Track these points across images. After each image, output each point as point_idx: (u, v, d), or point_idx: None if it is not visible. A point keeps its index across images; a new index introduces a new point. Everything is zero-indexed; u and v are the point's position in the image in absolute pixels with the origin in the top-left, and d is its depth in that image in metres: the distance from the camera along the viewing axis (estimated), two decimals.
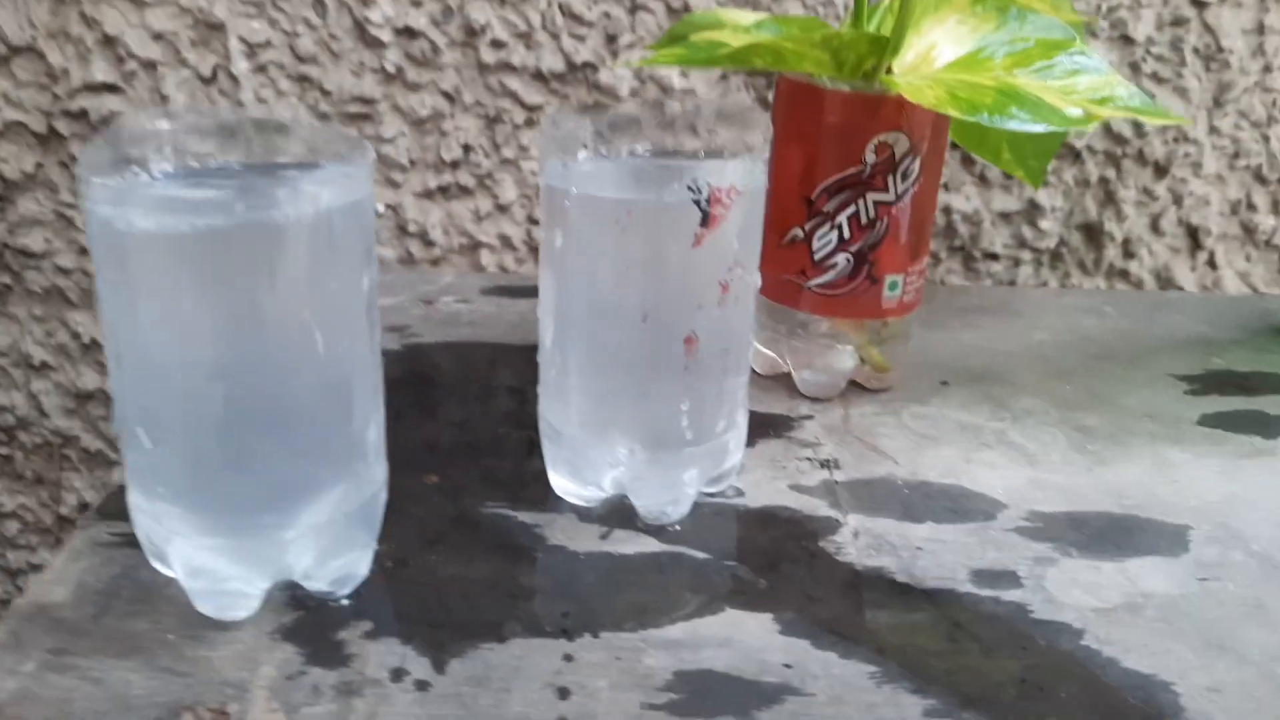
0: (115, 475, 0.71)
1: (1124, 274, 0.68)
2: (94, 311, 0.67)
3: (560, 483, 0.36)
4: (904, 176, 0.39)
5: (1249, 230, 0.67)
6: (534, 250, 0.67)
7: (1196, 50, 0.63)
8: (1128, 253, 0.68)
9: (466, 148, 0.65)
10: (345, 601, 0.31)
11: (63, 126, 0.62)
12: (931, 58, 0.38)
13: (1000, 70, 0.37)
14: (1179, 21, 0.63)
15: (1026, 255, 0.68)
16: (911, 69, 0.38)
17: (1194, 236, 0.67)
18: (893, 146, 0.39)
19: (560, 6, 0.61)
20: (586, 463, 0.35)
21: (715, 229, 0.31)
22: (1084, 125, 0.35)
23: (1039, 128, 0.35)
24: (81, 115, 0.62)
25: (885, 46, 0.37)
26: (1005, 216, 0.67)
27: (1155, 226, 0.67)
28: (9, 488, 0.72)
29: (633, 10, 0.62)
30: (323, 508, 0.29)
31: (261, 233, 0.26)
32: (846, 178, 0.39)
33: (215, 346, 0.27)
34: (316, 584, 0.31)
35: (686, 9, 0.61)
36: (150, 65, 0.61)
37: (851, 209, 0.40)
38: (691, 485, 0.35)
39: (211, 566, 0.29)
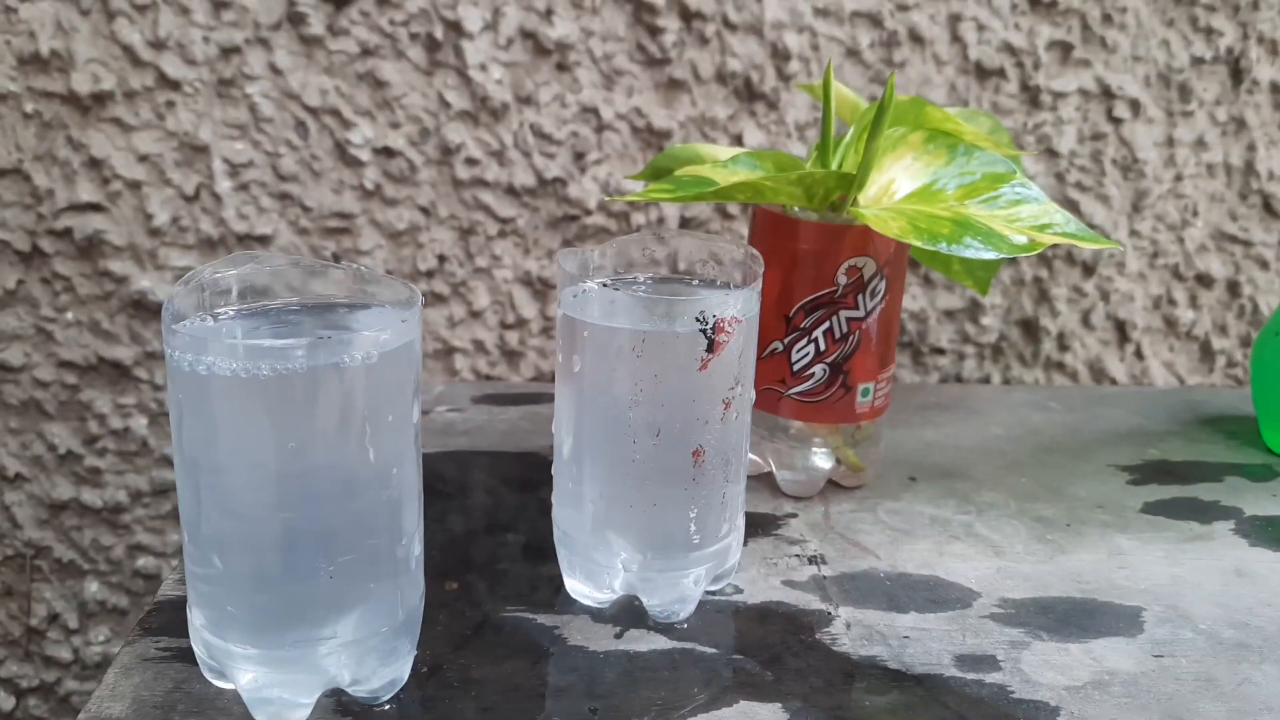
0: (92, 593, 0.71)
1: (1060, 365, 0.73)
2: (70, 423, 0.67)
3: (575, 585, 0.39)
4: (872, 295, 0.43)
5: (1170, 323, 0.73)
6: (506, 354, 0.70)
7: (1115, 161, 0.69)
8: (1062, 345, 0.73)
9: (441, 258, 0.68)
10: (388, 706, 0.33)
11: (46, 245, 0.64)
12: (891, 190, 0.43)
13: (953, 201, 0.42)
14: (1098, 136, 0.69)
15: (970, 349, 0.72)
16: (874, 201, 0.43)
17: (1122, 330, 0.73)
18: (861, 269, 0.43)
19: (531, 127, 0.65)
20: (600, 566, 0.38)
21: (720, 354, 0.35)
22: (1029, 251, 0.39)
23: (991, 254, 0.39)
24: (65, 234, 0.64)
25: (852, 182, 0.42)
26: (949, 314, 0.71)
27: (1086, 321, 0.73)
28: None
29: (599, 130, 0.66)
30: (375, 620, 0.31)
31: (330, 375, 0.29)
32: (821, 297, 0.43)
33: (285, 476, 0.29)
34: (362, 690, 0.32)
35: (649, 129, 0.66)
36: (135, 185, 0.63)
37: (826, 324, 0.44)
38: (698, 585, 0.38)
39: (270, 678, 0.31)
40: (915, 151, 0.43)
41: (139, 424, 0.68)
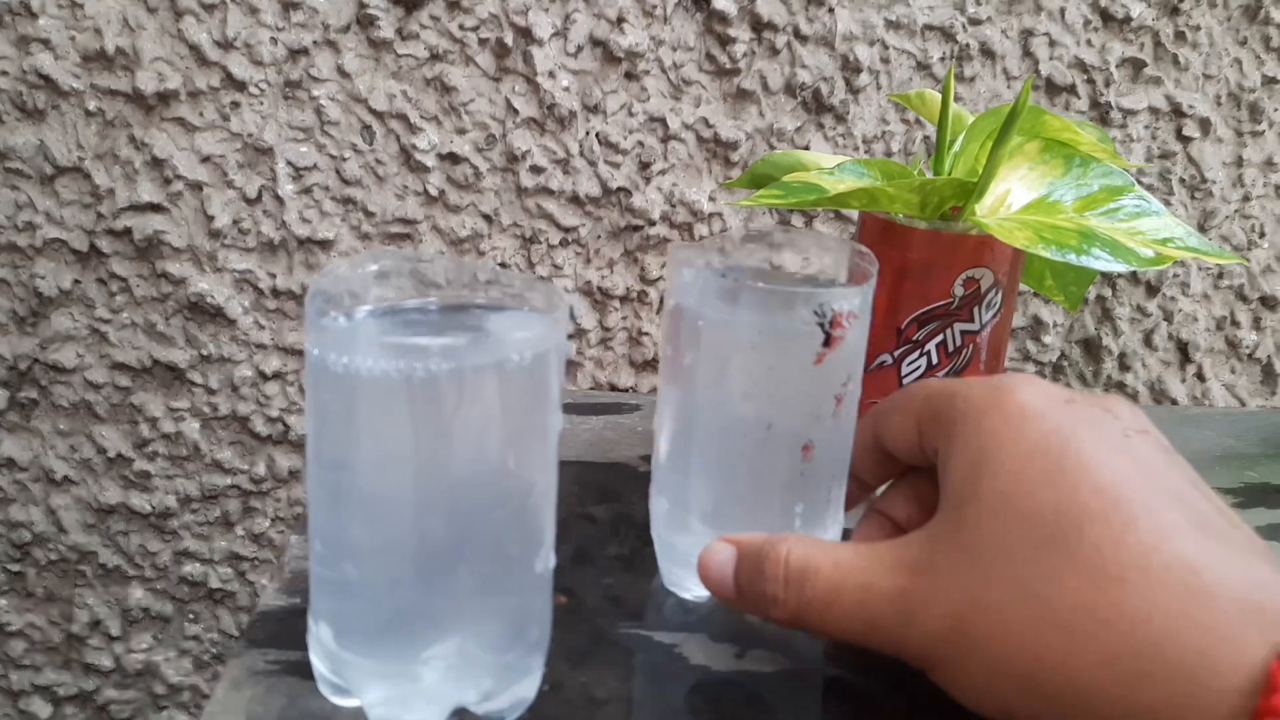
0: (136, 599, 0.69)
1: (1121, 385, 0.73)
2: (121, 426, 0.66)
3: (673, 578, 0.38)
4: (988, 308, 0.43)
5: (1233, 345, 0.73)
6: (567, 363, 0.69)
7: (1183, 180, 0.69)
8: (1123, 366, 0.72)
9: (503, 265, 0.67)
10: None
11: (104, 244, 0.63)
12: (1007, 201, 0.42)
13: (1072, 213, 0.41)
14: (1166, 155, 0.68)
15: (1031, 368, 0.72)
16: (991, 211, 0.42)
17: (1184, 351, 0.72)
18: (979, 281, 0.42)
19: (598, 135, 0.64)
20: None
21: (835, 349, 0.34)
22: (1157, 265, 0.39)
23: (1120, 267, 0.38)
24: (124, 234, 0.63)
25: (971, 191, 0.41)
26: (1011, 331, 0.71)
27: (1148, 341, 0.72)
28: (18, 605, 0.69)
29: (665, 140, 0.65)
30: (510, 636, 0.30)
31: (479, 377, 0.28)
32: (935, 309, 0.42)
33: (426, 482, 0.28)
34: (489, 708, 0.31)
35: (716, 140, 0.65)
36: (196, 186, 0.62)
37: (940, 338, 0.43)
38: None
39: (399, 694, 0.30)
40: (1031, 162, 0.42)
41: (191, 428, 0.66)
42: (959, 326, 0.43)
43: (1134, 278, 0.70)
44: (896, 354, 0.43)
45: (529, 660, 0.31)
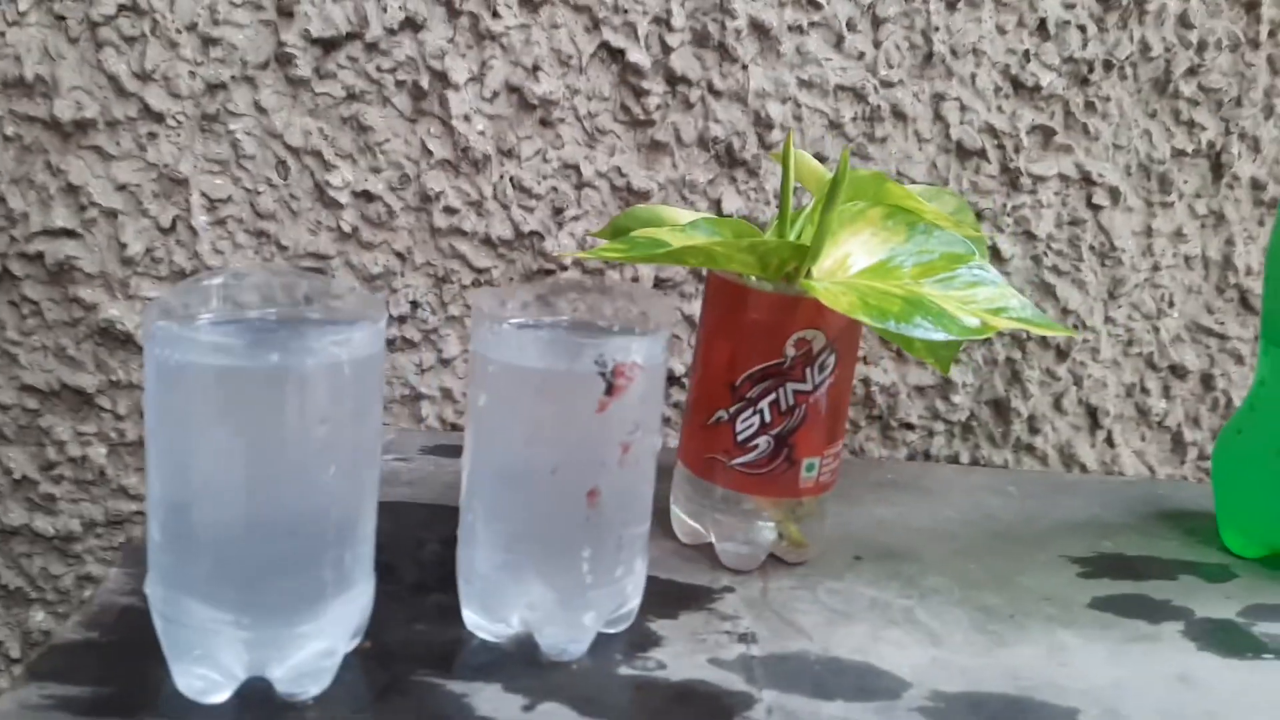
0: (31, 618, 0.69)
1: (1030, 448, 0.73)
2: (28, 449, 0.67)
3: (472, 618, 0.39)
4: (821, 369, 0.43)
5: (1143, 412, 0.73)
6: None
7: (1092, 248, 0.69)
8: (1033, 428, 0.72)
9: (414, 304, 0.67)
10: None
11: (16, 268, 0.64)
12: (847, 265, 0.42)
13: (909, 279, 0.41)
14: (1076, 221, 0.69)
15: (940, 426, 0.72)
16: (828, 274, 0.42)
17: (1093, 416, 0.72)
18: (811, 342, 0.42)
19: (511, 180, 0.65)
20: (497, 601, 0.38)
21: (618, 398, 0.35)
22: (980, 335, 0.39)
23: (940, 335, 0.38)
24: (37, 258, 0.64)
25: (806, 254, 0.41)
26: (920, 390, 0.71)
27: (1058, 405, 0.72)
28: None
29: (579, 187, 0.66)
30: (318, 612, 0.32)
31: (291, 375, 0.31)
32: (768, 368, 0.43)
33: (235, 466, 0.31)
34: (285, 686, 0.33)
35: (629, 189, 0.66)
36: (111, 214, 0.64)
37: (772, 396, 0.43)
38: (592, 625, 0.38)
39: (200, 652, 0.32)
40: (874, 227, 0.43)
41: (98, 453, 0.67)
42: (791, 386, 0.43)
43: (1043, 341, 0.71)
44: (731, 410, 0.44)
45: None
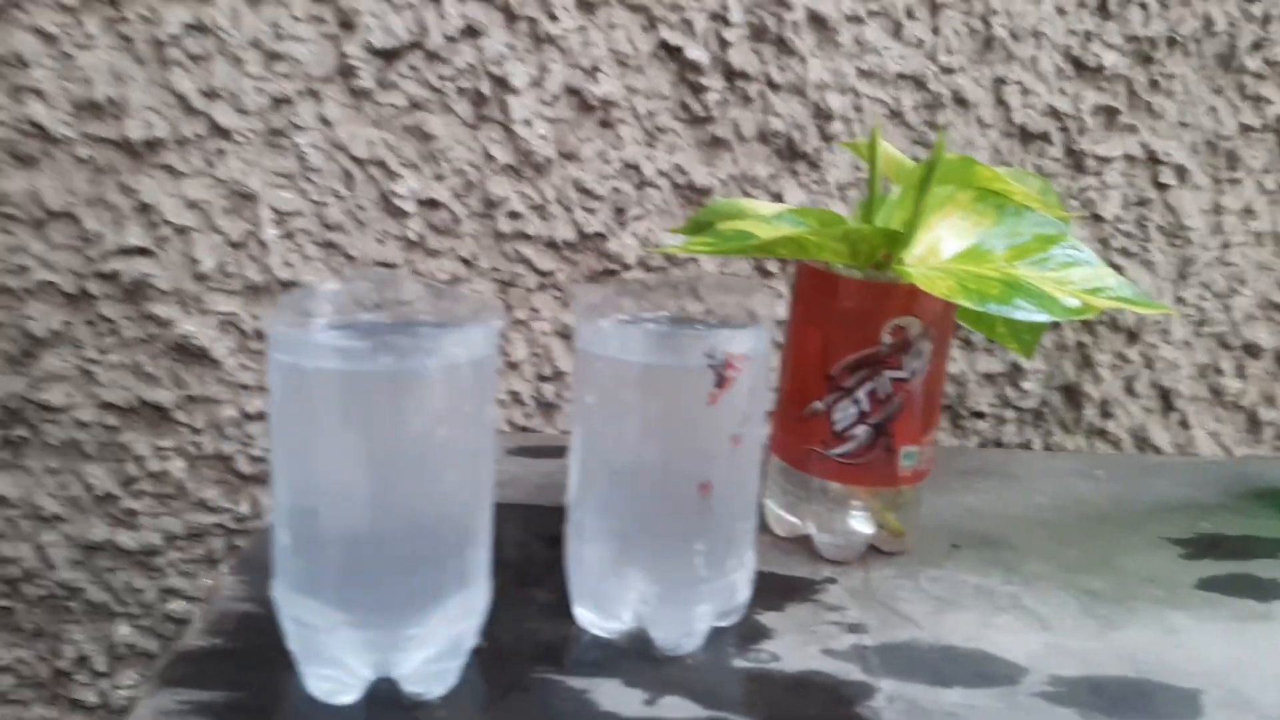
0: (116, 632, 0.70)
1: (1102, 433, 0.72)
2: (109, 465, 0.68)
3: (583, 615, 0.39)
4: (917, 355, 0.43)
5: (1217, 393, 0.72)
6: (542, 406, 0.69)
7: (1161, 228, 0.69)
8: (1105, 413, 0.72)
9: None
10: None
11: (93, 287, 0.65)
12: (938, 250, 0.42)
13: (1002, 262, 0.41)
14: (1143, 202, 0.68)
15: (1010, 414, 0.71)
16: (921, 260, 0.42)
17: (1166, 398, 0.71)
18: (907, 329, 0.42)
19: (573, 182, 0.66)
20: (608, 597, 0.38)
21: (728, 390, 0.35)
22: (1082, 315, 0.39)
23: (1042, 317, 0.38)
24: (113, 276, 0.64)
25: (898, 240, 0.41)
26: (989, 378, 0.70)
27: (1130, 389, 0.71)
28: (7, 641, 0.71)
29: (640, 186, 0.66)
30: (439, 614, 0.33)
31: (414, 377, 0.31)
32: (865, 356, 0.43)
33: (360, 468, 0.31)
34: (412, 685, 0.34)
35: (690, 186, 0.66)
36: (183, 231, 0.64)
37: (870, 385, 0.43)
38: (704, 620, 0.38)
39: (330, 654, 0.33)
40: (963, 211, 0.42)
41: (177, 467, 0.68)
42: (889, 373, 0.43)
43: (1114, 324, 0.70)
44: (828, 401, 0.44)
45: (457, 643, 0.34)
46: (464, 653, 0.35)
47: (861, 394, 0.43)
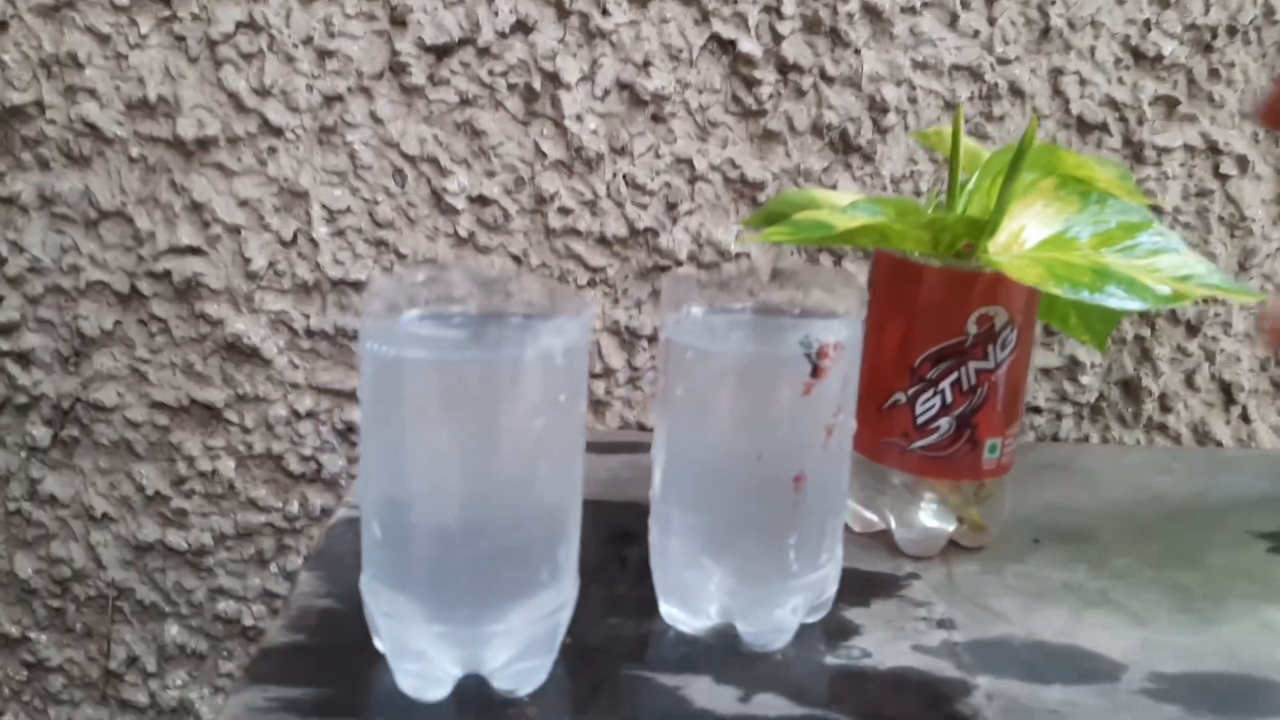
0: (172, 636, 0.70)
1: (1162, 427, 0.71)
2: (159, 464, 0.67)
3: (670, 611, 0.38)
4: (1003, 346, 0.42)
5: (1279, 386, 0.70)
6: (592, 404, 0.69)
7: (1221, 218, 0.67)
8: (1165, 407, 0.70)
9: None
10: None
11: (145, 286, 0.64)
12: (1021, 238, 0.41)
13: (1088, 249, 0.40)
14: (1204, 193, 0.67)
15: (1068, 409, 0.70)
16: (1004, 248, 0.41)
17: (1228, 392, 0.70)
18: (993, 319, 0.41)
19: (624, 177, 0.65)
20: (695, 592, 0.37)
21: (823, 380, 0.34)
22: (1175, 303, 0.38)
23: (1136, 304, 0.37)
24: (164, 276, 0.64)
25: (983, 228, 0.40)
26: (1046, 372, 0.69)
27: (1190, 382, 0.70)
28: (57, 641, 0.71)
29: (692, 181, 0.66)
30: (526, 611, 0.32)
31: (510, 367, 0.31)
32: (948, 347, 0.42)
33: (455, 459, 0.31)
34: (501, 682, 0.33)
35: (743, 180, 0.65)
36: (234, 229, 0.64)
37: (954, 376, 0.42)
38: (795, 614, 0.37)
39: (421, 649, 0.32)
40: (1046, 198, 0.42)
41: (227, 466, 0.68)
42: (973, 365, 0.42)
43: (1173, 316, 0.69)
44: (910, 393, 0.43)
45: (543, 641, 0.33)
46: (554, 650, 0.35)
47: (945, 385, 0.42)
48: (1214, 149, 0.66)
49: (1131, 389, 0.70)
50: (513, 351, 0.30)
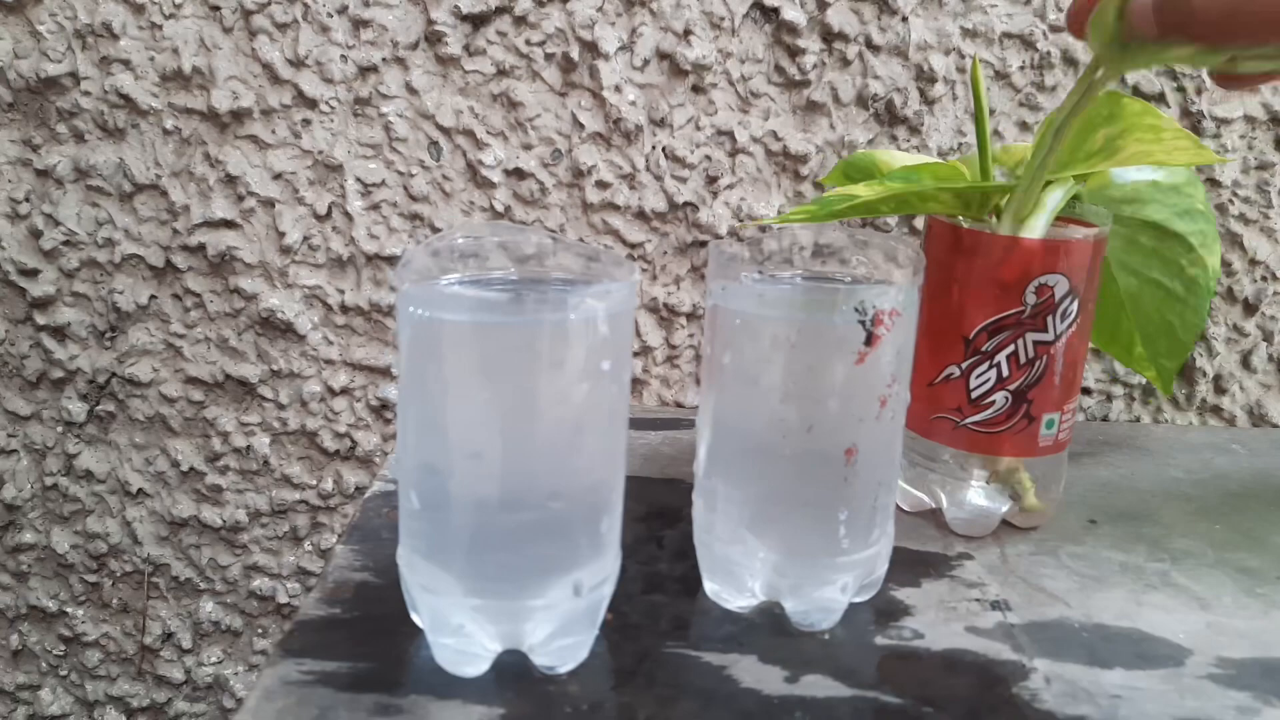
0: (207, 613, 0.70)
1: (1216, 409, 0.68)
2: (194, 440, 0.67)
3: (714, 588, 0.37)
4: (1063, 317, 0.40)
5: None
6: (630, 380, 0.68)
7: None
8: (1219, 388, 0.68)
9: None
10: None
11: (179, 260, 0.64)
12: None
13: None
14: (1264, 166, 0.65)
15: (1119, 390, 0.68)
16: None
17: None
18: (1053, 289, 0.40)
19: (664, 150, 0.64)
20: (741, 569, 0.36)
21: (877, 348, 0.33)
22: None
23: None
24: (199, 250, 0.64)
25: (1009, 193, 0.38)
26: (1096, 352, 0.67)
27: (1246, 363, 0.68)
28: (94, 616, 0.71)
29: (733, 154, 0.64)
30: (566, 585, 0.31)
31: (555, 329, 0.30)
32: (1006, 318, 0.40)
33: (496, 427, 0.30)
34: (541, 658, 0.32)
35: (786, 153, 0.64)
36: (268, 203, 0.63)
37: (1011, 348, 0.40)
38: (845, 593, 0.36)
39: (459, 623, 0.31)
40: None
41: (261, 443, 0.67)
42: (1031, 336, 0.40)
43: (1230, 294, 0.66)
44: (964, 366, 0.41)
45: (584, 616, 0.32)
46: (595, 626, 0.34)
47: (1002, 358, 0.41)
48: (1276, 120, 0.64)
49: (1185, 370, 0.68)
50: (555, 315, 0.29)
